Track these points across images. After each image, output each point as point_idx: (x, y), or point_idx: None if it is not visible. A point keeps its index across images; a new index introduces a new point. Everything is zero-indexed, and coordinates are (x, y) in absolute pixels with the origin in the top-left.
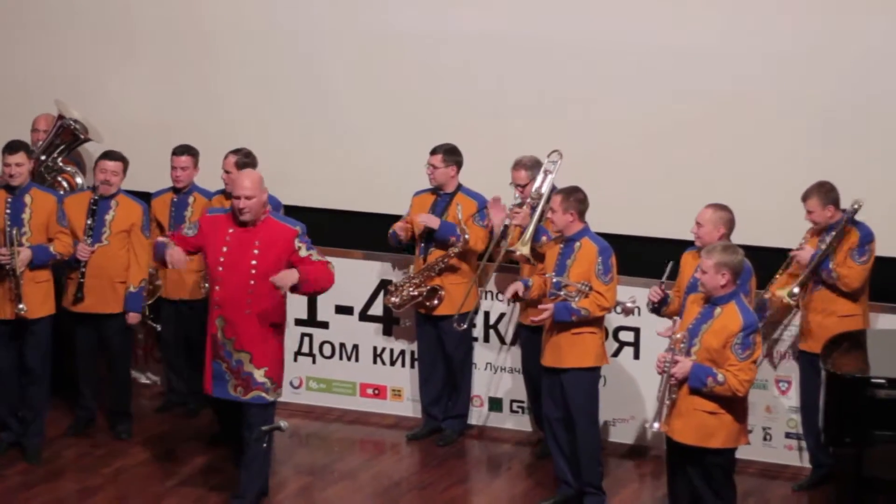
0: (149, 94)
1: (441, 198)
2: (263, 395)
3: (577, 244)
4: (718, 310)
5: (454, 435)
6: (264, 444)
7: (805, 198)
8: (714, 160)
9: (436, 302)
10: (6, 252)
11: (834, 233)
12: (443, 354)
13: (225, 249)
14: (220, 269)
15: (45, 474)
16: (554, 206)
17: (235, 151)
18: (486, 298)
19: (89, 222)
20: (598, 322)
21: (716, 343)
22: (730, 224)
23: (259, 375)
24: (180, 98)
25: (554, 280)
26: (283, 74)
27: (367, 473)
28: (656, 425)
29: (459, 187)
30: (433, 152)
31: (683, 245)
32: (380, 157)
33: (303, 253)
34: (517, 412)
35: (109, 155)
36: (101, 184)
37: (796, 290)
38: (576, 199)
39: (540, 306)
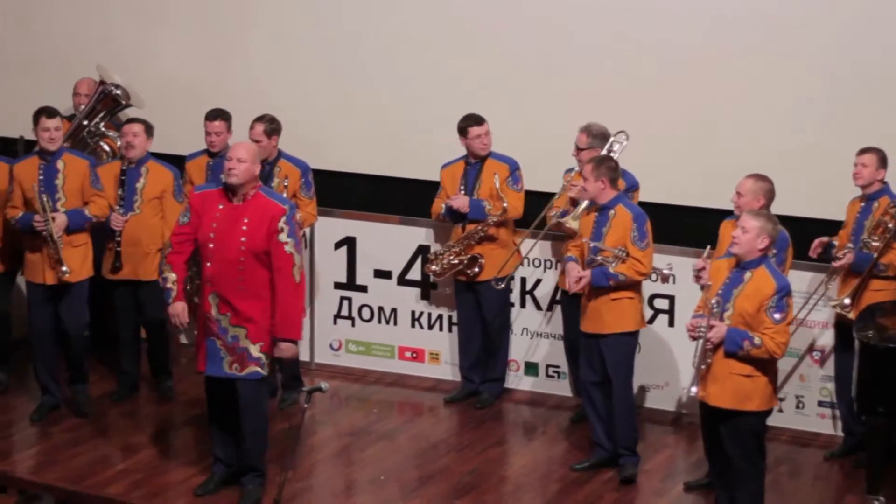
0: (186, 57)
1: (471, 166)
2: (259, 370)
3: (612, 212)
4: (749, 274)
5: (491, 398)
6: (305, 405)
7: (862, 152)
8: (754, 129)
9: (476, 269)
10: (41, 219)
11: (878, 227)
12: (481, 320)
13: (214, 225)
14: (211, 245)
15: (89, 433)
16: (585, 174)
17: (260, 119)
18: (523, 265)
19: (120, 192)
20: (635, 287)
21: (750, 307)
22: (770, 194)
23: (255, 350)
24: (218, 62)
25: (591, 245)
26: (319, 38)
27: (406, 435)
28: (694, 389)
29: (490, 153)
30: (481, 122)
31: (720, 214)
32: (418, 122)
33: (282, 238)
34: (553, 377)
35: (130, 120)
36: (126, 147)
37: (847, 301)
38: (607, 167)
39: (577, 273)
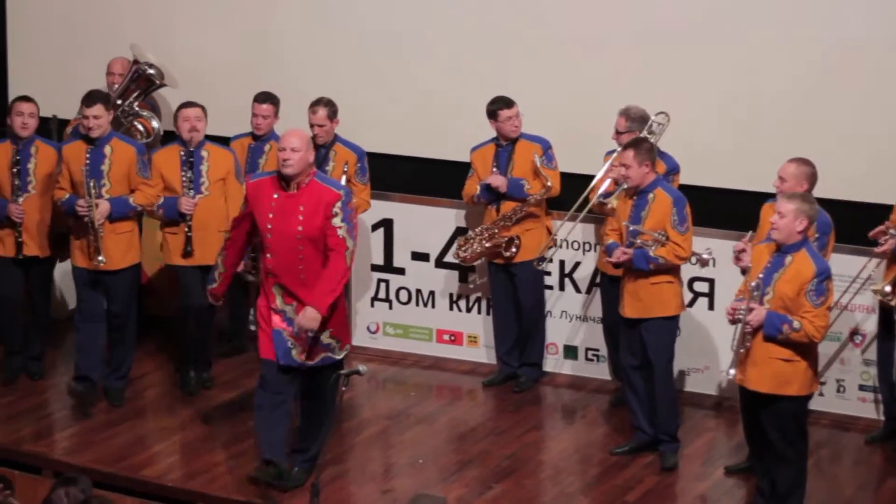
0: (219, 38)
1: (503, 148)
2: (331, 355)
3: (651, 195)
4: (789, 258)
5: (529, 382)
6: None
7: None
8: (798, 111)
9: (513, 250)
10: (84, 204)
11: None
12: (516, 303)
13: (270, 216)
14: (269, 236)
15: (126, 414)
16: (627, 161)
17: (319, 103)
18: (562, 247)
19: (189, 175)
20: (675, 271)
21: (790, 291)
22: (812, 179)
23: (325, 337)
24: (250, 42)
25: (630, 228)
26: (353, 18)
27: (444, 418)
28: (732, 372)
29: (520, 134)
30: (510, 105)
31: (762, 197)
32: (456, 104)
33: (335, 222)
34: (592, 360)
35: (189, 104)
36: (190, 132)
37: (888, 288)
38: (646, 149)
39: (620, 248)
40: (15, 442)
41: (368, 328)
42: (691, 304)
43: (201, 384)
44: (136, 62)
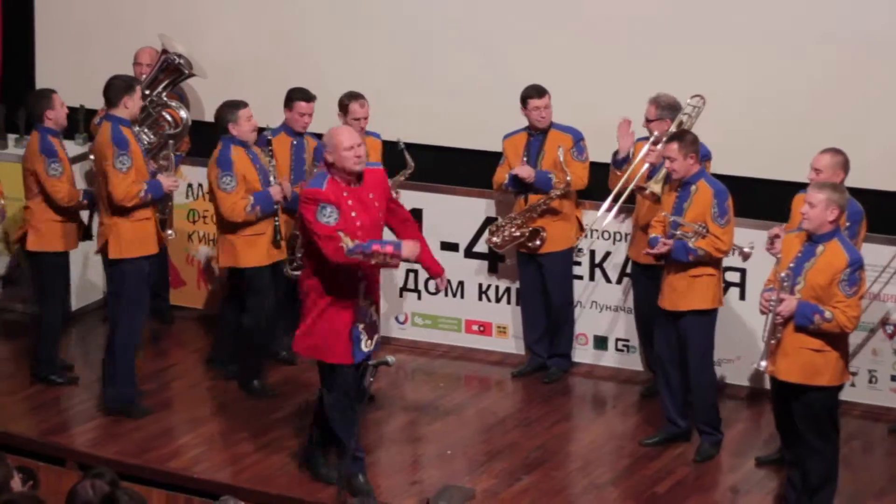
0: (243, 29)
1: (535, 137)
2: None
3: (694, 187)
4: (821, 247)
5: (559, 372)
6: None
7: None
8: (826, 101)
9: (538, 242)
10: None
11: None
12: (544, 293)
13: (354, 214)
14: (360, 233)
15: (154, 404)
16: (672, 153)
17: (362, 95)
18: (593, 237)
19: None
20: (714, 264)
21: (822, 280)
22: (846, 167)
23: (378, 319)
24: (275, 33)
25: (671, 219)
26: (380, 8)
27: (473, 409)
28: (763, 363)
29: (551, 123)
30: (541, 94)
31: (791, 187)
32: (486, 93)
33: (394, 195)
34: (622, 351)
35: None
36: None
37: None
38: (690, 141)
39: (662, 239)
40: (39, 434)
41: (397, 318)
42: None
43: (264, 391)
44: (164, 52)
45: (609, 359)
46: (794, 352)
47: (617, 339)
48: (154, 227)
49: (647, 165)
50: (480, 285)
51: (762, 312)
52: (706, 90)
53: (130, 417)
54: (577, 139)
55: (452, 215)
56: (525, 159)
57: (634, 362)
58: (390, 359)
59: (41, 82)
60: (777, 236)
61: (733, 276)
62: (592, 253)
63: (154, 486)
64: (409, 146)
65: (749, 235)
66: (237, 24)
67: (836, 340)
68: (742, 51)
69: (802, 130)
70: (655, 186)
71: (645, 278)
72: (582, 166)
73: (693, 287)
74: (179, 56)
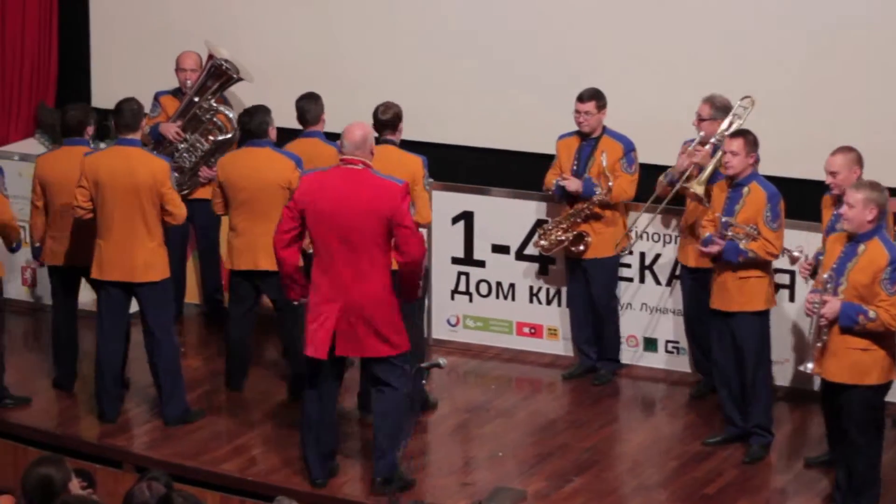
0: (286, 31)
1: (587, 142)
2: None
3: (746, 189)
4: (862, 247)
5: (609, 375)
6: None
7: None
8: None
9: (581, 248)
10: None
11: None
12: (590, 298)
13: None
14: None
15: (208, 407)
16: (736, 149)
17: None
18: (641, 239)
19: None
20: (765, 266)
21: (864, 280)
22: (861, 162)
23: None
24: (319, 35)
25: (722, 220)
26: (427, 9)
27: (524, 411)
28: (809, 366)
29: (605, 130)
30: (582, 99)
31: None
32: (537, 95)
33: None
34: (672, 352)
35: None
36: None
37: None
38: (753, 140)
39: (715, 238)
40: (96, 437)
41: (448, 321)
42: None
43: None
44: (210, 57)
45: (658, 360)
46: (842, 353)
47: (667, 341)
48: None
49: (691, 165)
50: (531, 287)
51: (807, 315)
52: (758, 88)
53: (187, 423)
54: (628, 150)
55: (503, 217)
56: (575, 166)
57: (683, 364)
58: (442, 361)
59: (97, 88)
60: (796, 259)
61: (783, 279)
62: (642, 255)
63: (209, 488)
64: (459, 148)
65: (802, 238)
66: (274, 28)
67: (882, 338)
68: (787, 49)
69: (854, 128)
70: (698, 188)
71: (692, 281)
72: (629, 179)
73: (744, 288)
74: (226, 61)
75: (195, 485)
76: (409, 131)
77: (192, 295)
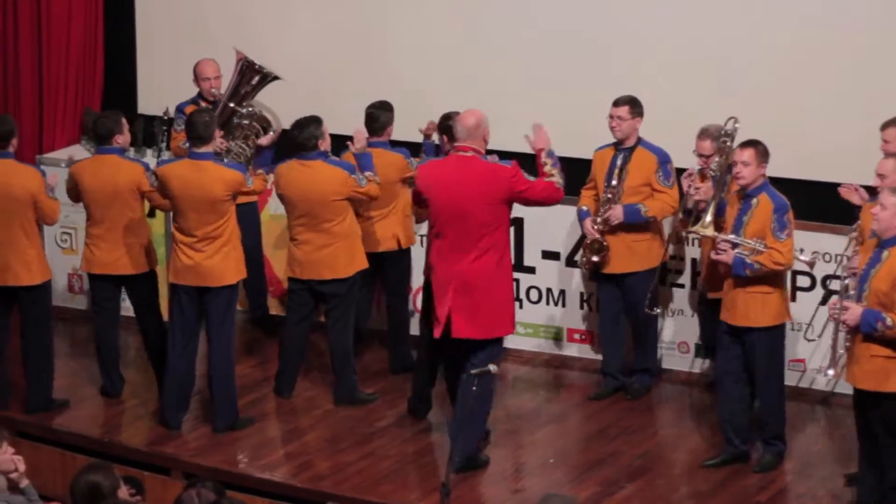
0: (321, 37)
1: (620, 152)
2: None
3: (755, 200)
4: (886, 253)
5: (643, 389)
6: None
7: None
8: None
9: (595, 259)
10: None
11: None
12: (625, 309)
13: None
14: None
15: (257, 414)
16: (748, 159)
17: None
18: (690, 245)
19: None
20: (775, 280)
21: (884, 287)
22: None
23: None
24: (354, 41)
25: (726, 238)
26: (461, 16)
27: (574, 418)
28: (830, 372)
29: (639, 141)
30: (617, 104)
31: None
32: (586, 101)
33: None
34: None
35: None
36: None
37: None
38: (765, 150)
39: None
40: (145, 443)
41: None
42: (793, 297)
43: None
44: (240, 58)
45: (709, 366)
46: (865, 359)
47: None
48: None
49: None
50: (582, 294)
51: (832, 320)
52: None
53: (236, 429)
54: (663, 161)
55: (553, 224)
56: (605, 182)
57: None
58: (493, 367)
59: (142, 94)
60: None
61: (804, 281)
62: (693, 261)
63: (258, 494)
64: (511, 154)
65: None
66: (313, 33)
67: None
68: (813, 47)
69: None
70: (705, 231)
71: (712, 313)
72: (668, 193)
73: (750, 303)
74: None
75: (245, 492)
76: None
77: (239, 301)
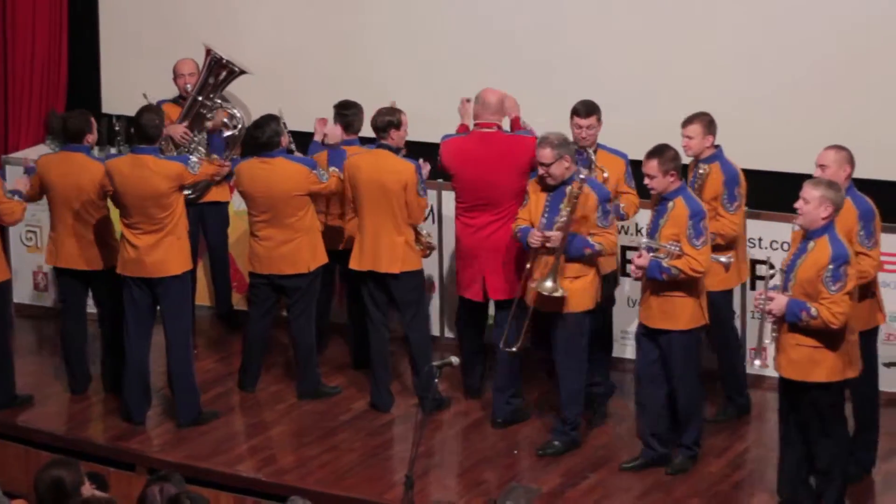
0: (303, 34)
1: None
2: None
3: (671, 203)
4: (812, 243)
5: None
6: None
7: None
8: (844, 94)
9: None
10: None
11: None
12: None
13: None
14: None
15: (218, 410)
16: (651, 171)
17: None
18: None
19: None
20: (690, 285)
21: (809, 277)
22: (852, 161)
23: None
24: (338, 35)
25: (644, 245)
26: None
27: (539, 409)
28: (757, 362)
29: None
30: (580, 114)
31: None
32: (547, 95)
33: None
34: None
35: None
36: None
37: None
38: (670, 157)
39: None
40: (109, 439)
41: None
42: (753, 286)
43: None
44: (208, 52)
45: None
46: (791, 349)
47: None
48: None
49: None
50: None
51: (757, 310)
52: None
53: (200, 424)
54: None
55: None
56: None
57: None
58: (454, 359)
59: (107, 95)
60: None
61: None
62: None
63: (222, 489)
64: None
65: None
66: (287, 32)
67: (834, 336)
68: (740, 42)
69: (815, 120)
70: (544, 285)
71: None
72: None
73: (665, 306)
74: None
75: (209, 486)
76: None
77: (204, 297)
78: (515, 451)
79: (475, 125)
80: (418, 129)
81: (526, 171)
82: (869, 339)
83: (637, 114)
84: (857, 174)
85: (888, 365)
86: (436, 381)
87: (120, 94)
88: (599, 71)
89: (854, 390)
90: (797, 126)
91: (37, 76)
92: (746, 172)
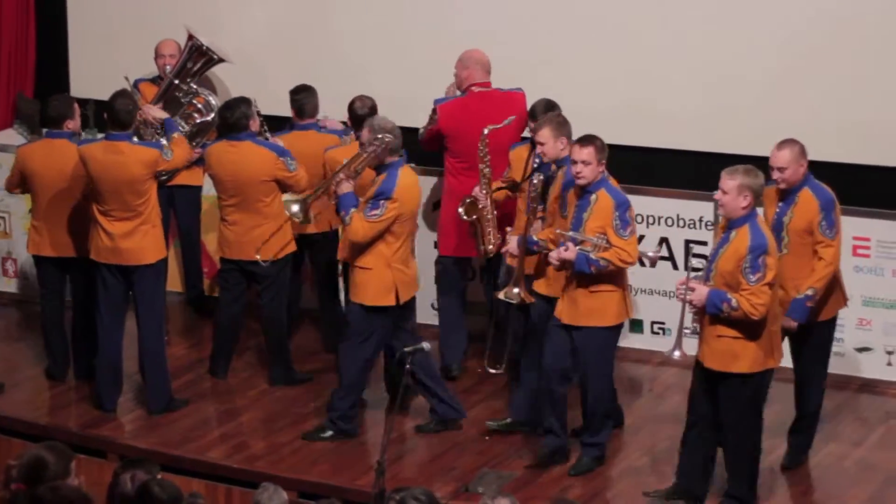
0: (270, 17)
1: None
2: None
3: (594, 196)
4: (734, 233)
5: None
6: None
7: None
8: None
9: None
10: None
11: None
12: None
13: None
14: None
15: (189, 396)
16: (588, 158)
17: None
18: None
19: None
20: (617, 279)
21: (729, 267)
22: (805, 153)
23: None
24: (314, 18)
25: (569, 235)
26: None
27: (509, 395)
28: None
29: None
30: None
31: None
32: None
33: None
34: (658, 333)
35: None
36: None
37: None
38: (600, 146)
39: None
40: (80, 426)
41: (432, 305)
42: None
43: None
44: (190, 38)
45: (644, 342)
46: (713, 339)
47: (652, 322)
48: None
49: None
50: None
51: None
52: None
53: (171, 411)
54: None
55: None
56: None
57: (667, 345)
58: (426, 345)
59: (75, 78)
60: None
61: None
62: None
63: (194, 476)
64: None
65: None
66: (258, 12)
67: (756, 327)
68: (703, 27)
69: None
70: (510, 299)
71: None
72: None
73: (591, 302)
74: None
75: (181, 473)
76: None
77: (175, 283)
78: (487, 437)
79: (470, 85)
80: (393, 114)
81: (521, 126)
82: (830, 327)
83: (600, 99)
84: (823, 157)
85: (860, 350)
86: (409, 367)
87: (89, 77)
88: (567, 52)
89: (801, 374)
90: (758, 110)
91: (4, 60)
92: (711, 156)
